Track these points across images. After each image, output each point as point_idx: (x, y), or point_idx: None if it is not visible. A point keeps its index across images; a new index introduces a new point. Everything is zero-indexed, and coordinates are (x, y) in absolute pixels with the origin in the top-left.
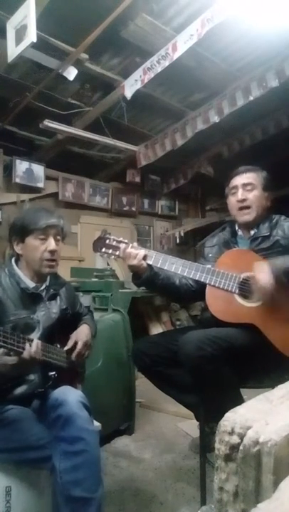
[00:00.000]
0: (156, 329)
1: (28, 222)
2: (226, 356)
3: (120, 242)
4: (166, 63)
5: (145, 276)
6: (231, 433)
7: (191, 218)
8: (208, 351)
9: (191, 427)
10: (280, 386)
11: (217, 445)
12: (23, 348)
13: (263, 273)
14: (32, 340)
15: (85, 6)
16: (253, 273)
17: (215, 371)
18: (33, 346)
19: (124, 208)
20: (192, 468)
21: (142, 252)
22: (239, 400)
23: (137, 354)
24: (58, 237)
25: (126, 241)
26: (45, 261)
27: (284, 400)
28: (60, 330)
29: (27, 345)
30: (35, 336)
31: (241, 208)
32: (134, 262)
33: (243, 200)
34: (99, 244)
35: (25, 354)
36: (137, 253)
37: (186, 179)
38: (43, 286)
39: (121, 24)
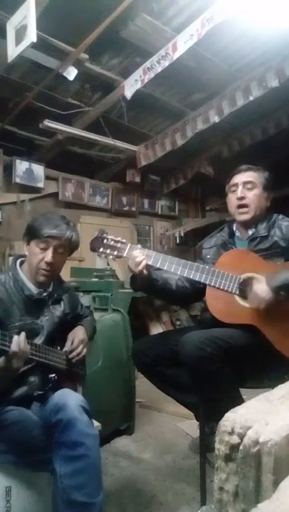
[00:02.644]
0: (156, 329)
1: (34, 227)
2: (226, 356)
3: (118, 241)
4: (166, 63)
5: (143, 282)
6: (231, 433)
7: (191, 218)
8: (208, 351)
9: (191, 427)
10: (280, 386)
11: (217, 445)
12: (9, 345)
13: (260, 288)
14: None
15: (85, 6)
16: (252, 284)
17: (215, 371)
18: (21, 337)
19: (124, 208)
20: (192, 468)
21: (144, 262)
22: (239, 400)
23: (137, 354)
24: (61, 250)
25: (124, 240)
26: (40, 269)
27: (284, 400)
28: (61, 333)
29: (15, 337)
30: (39, 340)
31: (240, 206)
32: (137, 269)
33: (242, 198)
34: (96, 243)
35: (14, 347)
36: (139, 262)
37: (186, 179)
38: (47, 292)
39: (121, 24)
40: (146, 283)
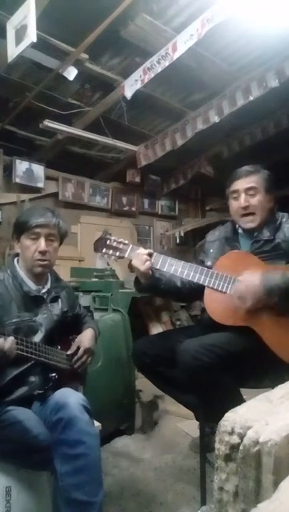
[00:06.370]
0: (156, 329)
1: (21, 222)
2: (224, 363)
3: (121, 242)
4: (166, 63)
5: (148, 283)
6: (231, 433)
7: (191, 218)
8: (205, 361)
9: (191, 427)
10: (280, 386)
11: (217, 445)
12: None
13: (250, 282)
14: (6, 336)
15: (85, 6)
16: (243, 277)
17: (213, 379)
18: (8, 341)
19: (124, 208)
20: (192, 468)
21: (148, 263)
22: (239, 400)
23: (137, 354)
24: (52, 238)
25: (126, 241)
26: (36, 261)
27: (284, 400)
28: (60, 332)
29: (1, 339)
30: (37, 338)
31: (244, 215)
32: (142, 268)
33: (247, 207)
34: (100, 244)
35: None
36: (145, 259)
37: (186, 179)
38: (45, 289)
39: (121, 24)
40: (150, 283)
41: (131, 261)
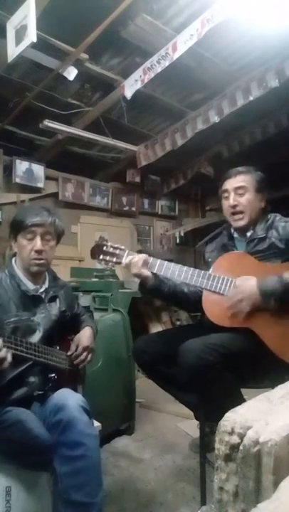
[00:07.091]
0: (156, 329)
1: (17, 221)
2: (227, 363)
3: (117, 248)
4: (166, 63)
5: (150, 286)
6: (231, 433)
7: (191, 218)
8: (209, 360)
9: (191, 427)
10: (280, 386)
11: (217, 445)
12: None
13: (247, 286)
14: None
15: (85, 6)
16: (240, 280)
17: (216, 378)
18: None
19: (124, 208)
20: (192, 468)
21: (140, 261)
22: (240, 400)
23: (137, 352)
24: (48, 237)
25: (122, 247)
26: (32, 260)
27: (284, 400)
28: (59, 332)
29: None
30: (36, 338)
31: (234, 213)
32: (135, 270)
33: (235, 206)
34: (96, 251)
35: None
36: (136, 261)
37: (186, 179)
38: (43, 288)
39: (121, 24)
40: (153, 287)
41: None
